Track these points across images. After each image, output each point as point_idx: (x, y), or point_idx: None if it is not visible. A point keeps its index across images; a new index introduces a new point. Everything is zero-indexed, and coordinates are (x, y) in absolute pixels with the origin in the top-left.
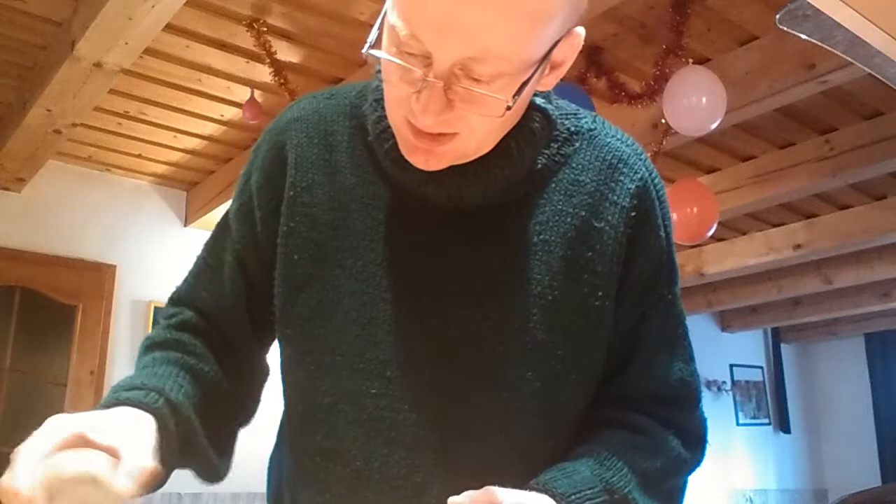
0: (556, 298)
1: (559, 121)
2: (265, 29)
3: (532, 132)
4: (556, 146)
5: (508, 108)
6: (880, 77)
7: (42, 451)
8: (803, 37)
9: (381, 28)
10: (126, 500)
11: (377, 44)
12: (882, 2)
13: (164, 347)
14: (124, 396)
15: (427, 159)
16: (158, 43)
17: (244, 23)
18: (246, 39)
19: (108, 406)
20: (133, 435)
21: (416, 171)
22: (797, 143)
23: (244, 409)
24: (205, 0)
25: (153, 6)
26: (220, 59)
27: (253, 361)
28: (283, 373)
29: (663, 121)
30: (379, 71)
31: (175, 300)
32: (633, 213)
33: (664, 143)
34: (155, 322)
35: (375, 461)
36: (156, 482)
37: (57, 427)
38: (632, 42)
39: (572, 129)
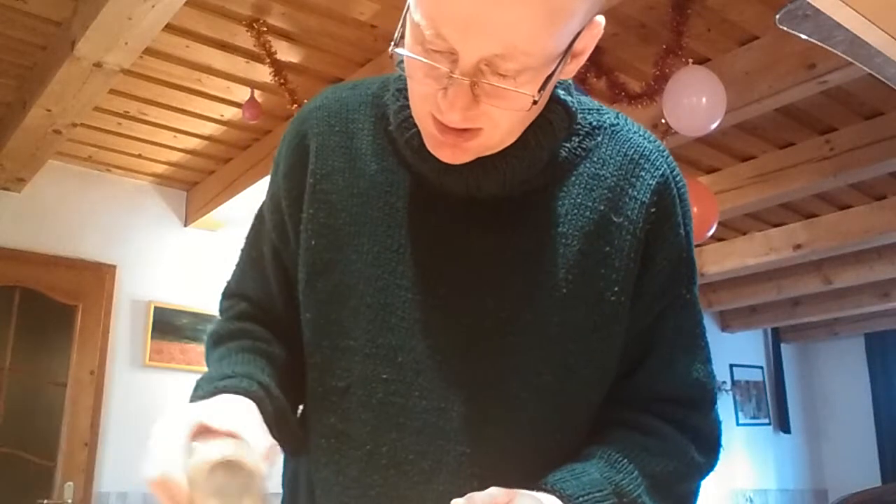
0: (570, 292)
1: (581, 115)
2: (265, 29)
3: (549, 123)
4: (577, 139)
5: (534, 102)
6: (880, 77)
7: (177, 442)
8: (803, 37)
9: (403, 25)
10: (260, 480)
11: (401, 42)
12: (882, 2)
13: (234, 338)
14: (221, 385)
15: (453, 153)
16: (158, 43)
17: (244, 23)
18: (246, 39)
19: (208, 396)
20: (246, 419)
21: (435, 161)
22: (797, 143)
23: (303, 391)
24: (205, 0)
25: (153, 6)
26: (220, 59)
27: (303, 347)
28: (305, 356)
29: (663, 121)
30: (401, 62)
31: (228, 294)
32: (652, 210)
33: (664, 143)
34: (155, 322)
35: (384, 445)
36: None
37: (181, 418)
38: (632, 42)
39: (594, 123)
